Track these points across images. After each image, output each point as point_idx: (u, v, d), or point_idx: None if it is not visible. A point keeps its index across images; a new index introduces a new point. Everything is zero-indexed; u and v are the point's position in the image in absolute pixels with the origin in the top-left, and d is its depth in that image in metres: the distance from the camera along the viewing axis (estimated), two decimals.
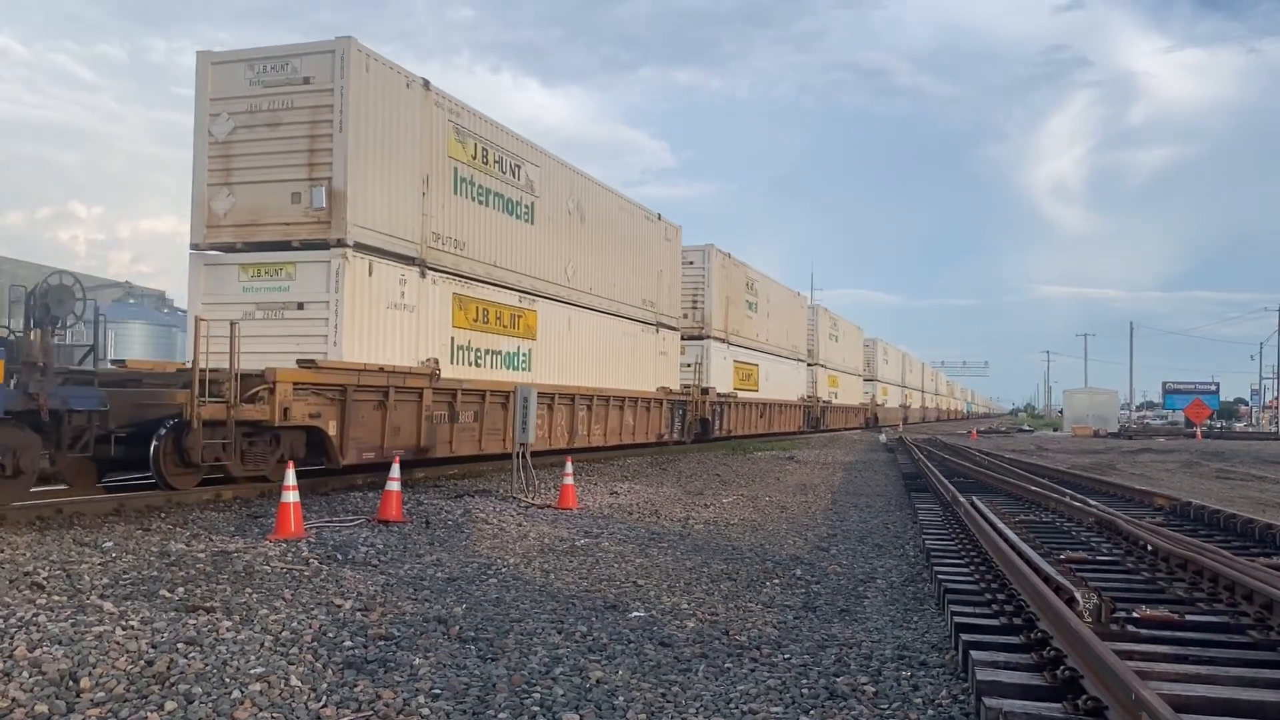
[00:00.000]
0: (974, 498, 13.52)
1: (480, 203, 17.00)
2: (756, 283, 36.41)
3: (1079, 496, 14.36)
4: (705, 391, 28.72)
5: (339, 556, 8.73)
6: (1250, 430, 71.07)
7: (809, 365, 45.82)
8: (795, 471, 21.83)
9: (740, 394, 33.15)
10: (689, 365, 28.62)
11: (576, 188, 20.82)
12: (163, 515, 10.69)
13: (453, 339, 16.22)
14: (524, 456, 14.70)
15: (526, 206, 18.52)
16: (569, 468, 13.84)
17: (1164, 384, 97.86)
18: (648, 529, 11.53)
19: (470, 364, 16.65)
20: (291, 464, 10.33)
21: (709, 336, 30.16)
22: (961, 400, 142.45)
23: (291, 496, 9.75)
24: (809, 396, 45.22)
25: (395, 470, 11.43)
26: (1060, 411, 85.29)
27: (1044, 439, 55.11)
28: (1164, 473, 24.55)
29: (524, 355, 18.42)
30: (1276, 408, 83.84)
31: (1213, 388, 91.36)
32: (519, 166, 18.32)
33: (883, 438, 43.94)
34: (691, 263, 29.82)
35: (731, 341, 32.37)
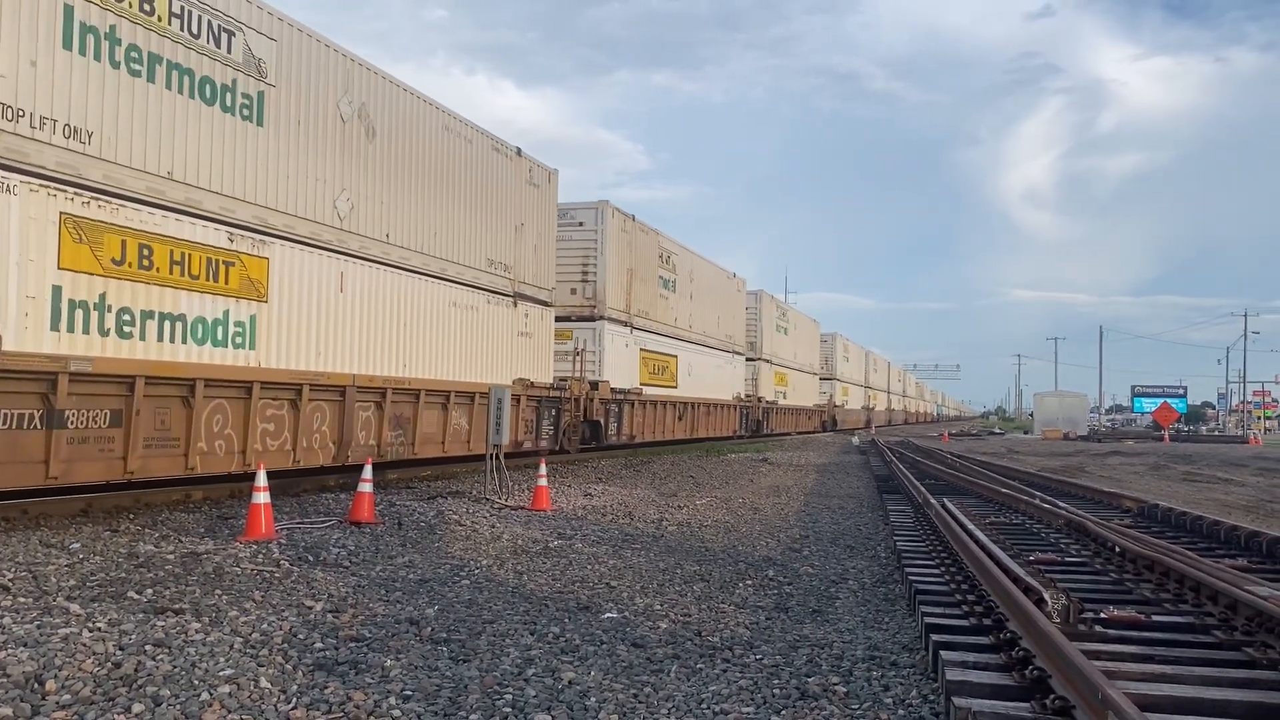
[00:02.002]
0: (945, 499, 13.62)
1: (133, 72, 10.57)
2: (675, 256, 29.67)
3: (1048, 498, 14.50)
4: (595, 387, 22.32)
5: (310, 558, 8.68)
6: (1217, 434, 72.01)
7: (749, 360, 39.46)
8: (769, 474, 21.90)
9: (649, 390, 26.61)
10: (574, 353, 22.37)
11: (359, 86, 14.15)
12: (131, 516, 10.58)
13: (58, 289, 9.72)
14: (498, 458, 14.68)
15: (247, 97, 12.10)
16: (543, 469, 13.82)
17: (1133, 387, 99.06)
18: (621, 530, 11.53)
19: (107, 331, 10.23)
20: (262, 464, 10.25)
21: (603, 318, 23.54)
22: (931, 403, 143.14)
23: (262, 498, 9.68)
24: (748, 396, 38.67)
25: (367, 471, 11.38)
26: (1031, 414, 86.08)
27: (1014, 442, 55.60)
28: (1132, 475, 24.82)
29: (240, 325, 11.93)
30: (1243, 411, 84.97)
31: (1181, 391, 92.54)
32: (232, 34, 11.93)
33: (855, 440, 44.16)
34: (581, 224, 23.78)
35: (637, 325, 25.88)
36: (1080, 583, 8.20)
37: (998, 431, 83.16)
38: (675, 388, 29.33)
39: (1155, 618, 6.66)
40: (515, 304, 18.71)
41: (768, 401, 41.96)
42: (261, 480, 9.77)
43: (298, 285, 12.89)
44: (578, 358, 21.69)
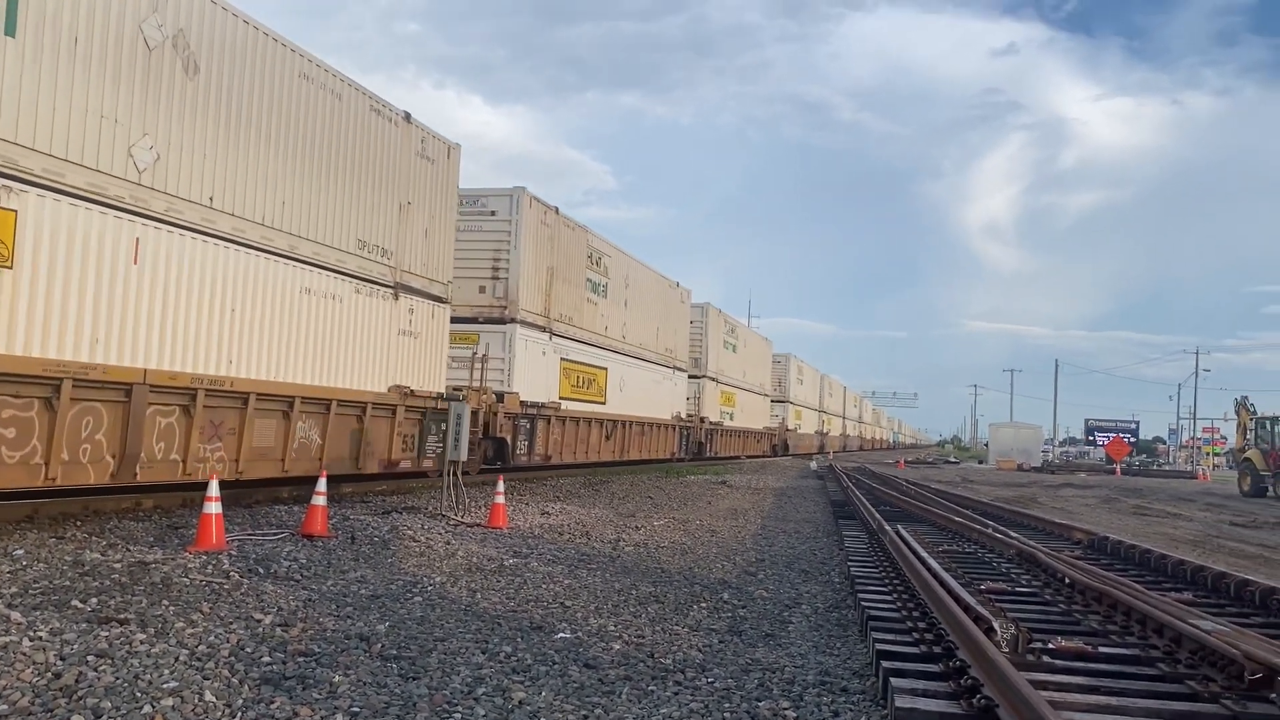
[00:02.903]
0: (899, 526, 13.72)
1: None
2: (607, 258, 26.49)
3: (1000, 528, 14.65)
4: (502, 399, 19.19)
5: (260, 570, 8.56)
6: (1167, 468, 73.20)
7: (693, 377, 36.92)
8: (727, 496, 21.95)
9: (571, 406, 23.50)
10: (476, 359, 18.09)
11: (175, 6, 11.19)
12: (79, 523, 10.39)
13: None
14: (455, 474, 14.60)
15: None
16: (500, 486, 13.76)
17: (1087, 421, 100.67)
18: (577, 550, 11.50)
19: None
20: (216, 475, 10.11)
21: (516, 320, 20.61)
22: (888, 430, 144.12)
23: (214, 508, 9.54)
24: (689, 416, 35.87)
25: (321, 485, 11.25)
26: (986, 444, 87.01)
27: (969, 471, 56.15)
28: (1084, 507, 25.15)
29: None
30: (1193, 448, 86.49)
31: (1133, 426, 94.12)
32: None
33: (813, 464, 44.36)
34: (493, 213, 20.89)
35: (559, 332, 22.86)
36: (1030, 613, 8.29)
37: (953, 460, 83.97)
38: (603, 403, 26.14)
39: (1102, 649, 6.75)
40: (396, 296, 15.54)
41: (712, 422, 39.12)
42: (214, 490, 9.64)
43: (64, 250, 9.85)
44: (480, 365, 17.96)
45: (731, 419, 42.97)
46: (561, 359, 23.14)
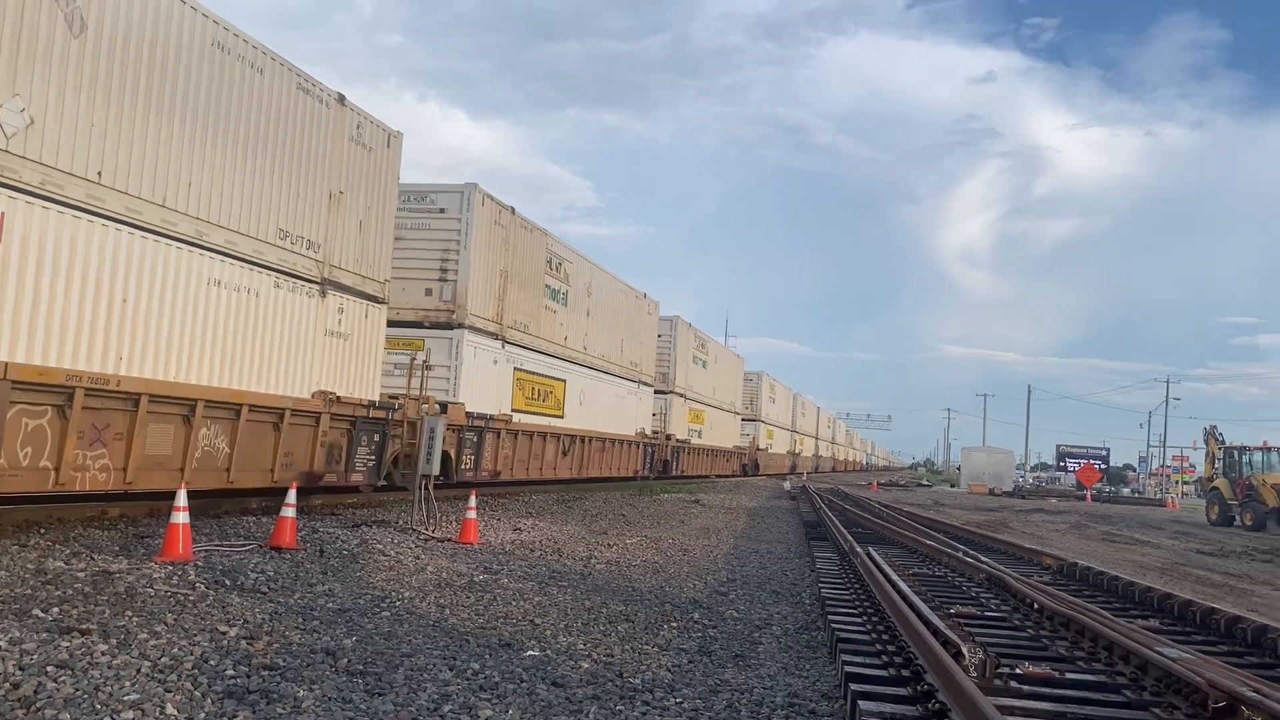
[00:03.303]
0: (870, 549, 13.76)
1: None
2: (569, 264, 25.02)
3: (971, 552, 14.71)
4: (445, 409, 17.07)
5: (227, 582, 8.47)
6: (1137, 496, 73.80)
7: (660, 393, 35.40)
8: (700, 515, 21.93)
9: (525, 419, 22.02)
10: (416, 365, 16.68)
11: None
12: (43, 531, 10.24)
13: None
14: (426, 488, 14.51)
15: None
16: (472, 501, 13.69)
17: (1058, 447, 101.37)
18: (549, 567, 11.44)
19: None
20: (184, 484, 10.00)
21: (464, 326, 19.11)
22: (861, 451, 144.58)
23: (181, 517, 9.43)
24: (654, 432, 34.23)
25: (291, 496, 11.16)
26: (958, 468, 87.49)
27: (941, 494, 56.39)
28: (1054, 533, 25.31)
29: None
30: (1162, 476, 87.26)
31: (1103, 453, 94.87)
32: None
33: (787, 485, 44.43)
34: (442, 210, 19.45)
35: (513, 340, 21.42)
36: (998, 638, 8.32)
37: (925, 483, 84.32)
38: (560, 417, 24.52)
39: (1069, 675, 6.78)
40: (324, 294, 14.19)
41: (679, 440, 37.61)
42: (181, 500, 9.53)
43: None
44: (421, 372, 16.70)
45: (700, 437, 41.79)
46: (515, 369, 21.73)
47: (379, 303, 15.83)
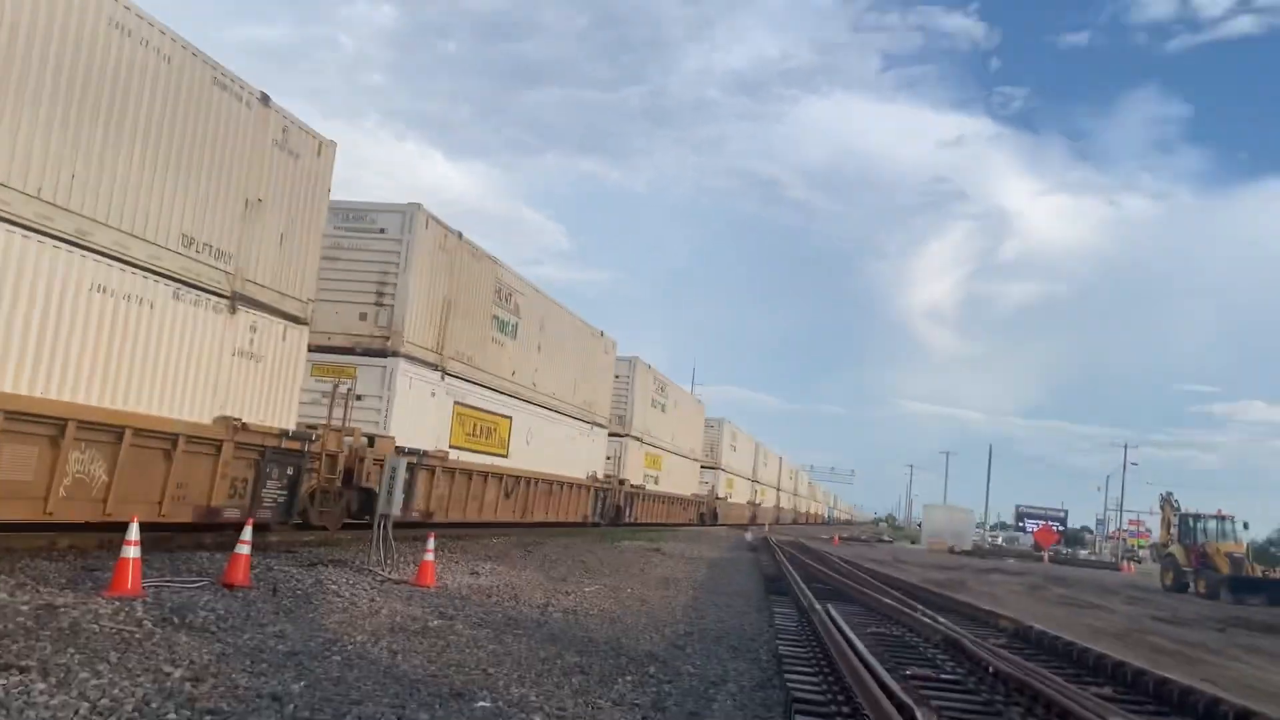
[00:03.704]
0: (830, 606, 13.74)
1: None
2: (520, 295, 23.64)
3: (929, 612, 14.73)
4: (373, 443, 16.77)
5: (175, 619, 8.30)
6: (1093, 559, 74.33)
7: (615, 435, 34.02)
8: (660, 564, 21.81)
9: (464, 456, 20.63)
10: (339, 394, 16.02)
11: None
12: None
13: None
14: (385, 528, 14.34)
15: None
16: (431, 544, 13.54)
17: (1017, 507, 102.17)
18: (505, 614, 11.32)
19: None
20: (136, 517, 9.82)
21: (400, 354, 17.86)
22: (824, 504, 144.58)
23: (132, 552, 9.25)
24: (607, 477, 32.73)
25: (247, 533, 10.98)
26: (919, 525, 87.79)
27: (902, 551, 56.51)
28: (1011, 594, 25.40)
29: None
30: (1119, 539, 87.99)
31: (1061, 514, 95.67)
32: None
33: (748, 536, 44.32)
34: (382, 230, 18.31)
35: (454, 372, 20.10)
36: (953, 701, 8.31)
37: (886, 539, 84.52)
38: (504, 456, 23.03)
39: None
40: (234, 309, 12.91)
41: (633, 485, 36.00)
42: (133, 533, 9.36)
43: None
44: (347, 401, 15.62)
45: (656, 483, 40.21)
46: (456, 403, 20.36)
47: (300, 323, 14.48)
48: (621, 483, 34.57)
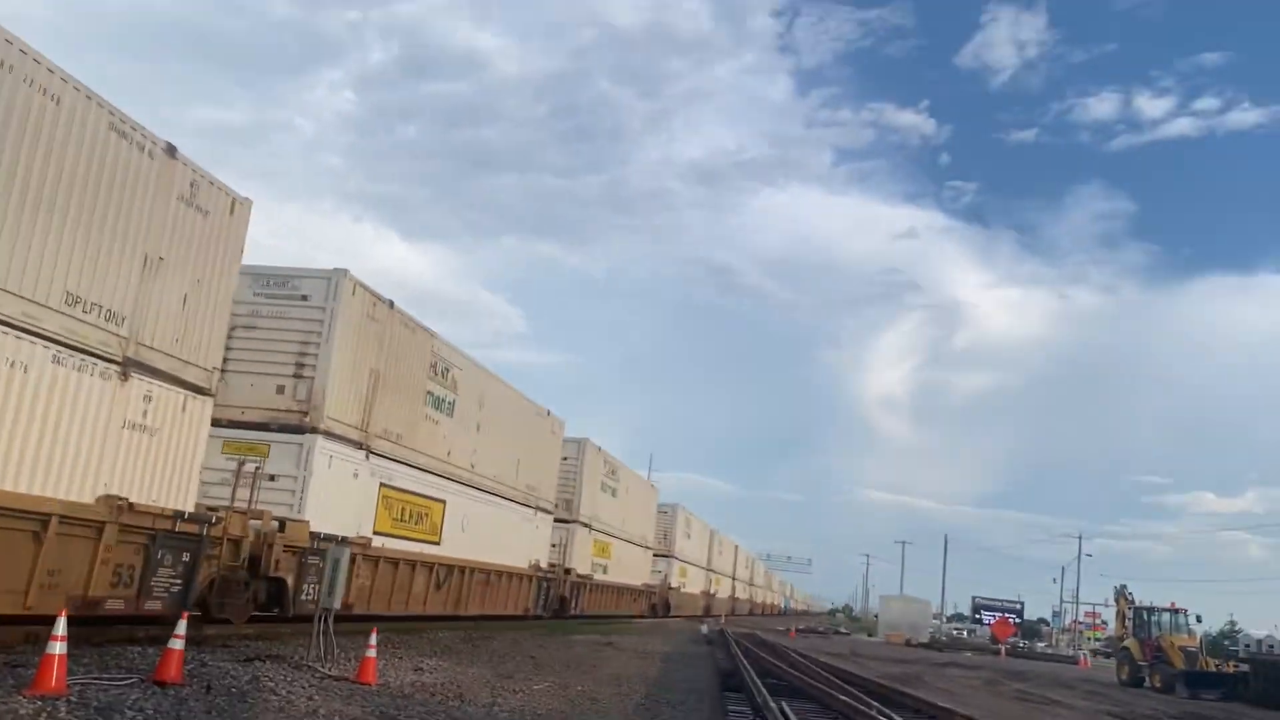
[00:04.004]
0: (784, 702, 13.47)
1: None
2: (457, 370, 22.46)
3: (885, 710, 14.49)
4: (283, 527, 15.51)
5: None
6: (1050, 651, 74.03)
7: (561, 521, 32.30)
8: (613, 659, 21.35)
9: (390, 544, 19.42)
10: (244, 473, 15.29)
11: None
12: None
13: None
14: (326, 621, 13.91)
15: None
16: (373, 639, 13.13)
17: (974, 598, 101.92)
18: (449, 714, 10.95)
19: None
20: (65, 610, 9.43)
21: (319, 430, 16.62)
22: (780, 594, 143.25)
23: (58, 648, 8.85)
24: (552, 566, 31.08)
25: (181, 627, 10.57)
26: (876, 615, 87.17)
27: (859, 643, 55.96)
28: (968, 689, 25.14)
29: None
30: (1075, 631, 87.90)
31: (1017, 605, 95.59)
32: None
33: (704, 629, 43.69)
34: (304, 297, 17.21)
35: (381, 451, 18.83)
36: None
37: (843, 631, 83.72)
38: (436, 543, 21.61)
39: None
40: (125, 377, 11.85)
41: (580, 575, 34.50)
42: (60, 628, 8.97)
43: None
44: (254, 481, 14.61)
45: (605, 572, 38.34)
46: (382, 484, 18.98)
47: (203, 394, 13.33)
48: (567, 572, 33.01)
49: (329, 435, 16.84)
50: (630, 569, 43.09)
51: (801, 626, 77.33)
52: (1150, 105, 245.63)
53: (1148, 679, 35.33)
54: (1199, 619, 37.54)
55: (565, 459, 32.72)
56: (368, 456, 18.34)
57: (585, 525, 35.06)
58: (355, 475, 17.94)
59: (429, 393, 20.96)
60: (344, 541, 16.56)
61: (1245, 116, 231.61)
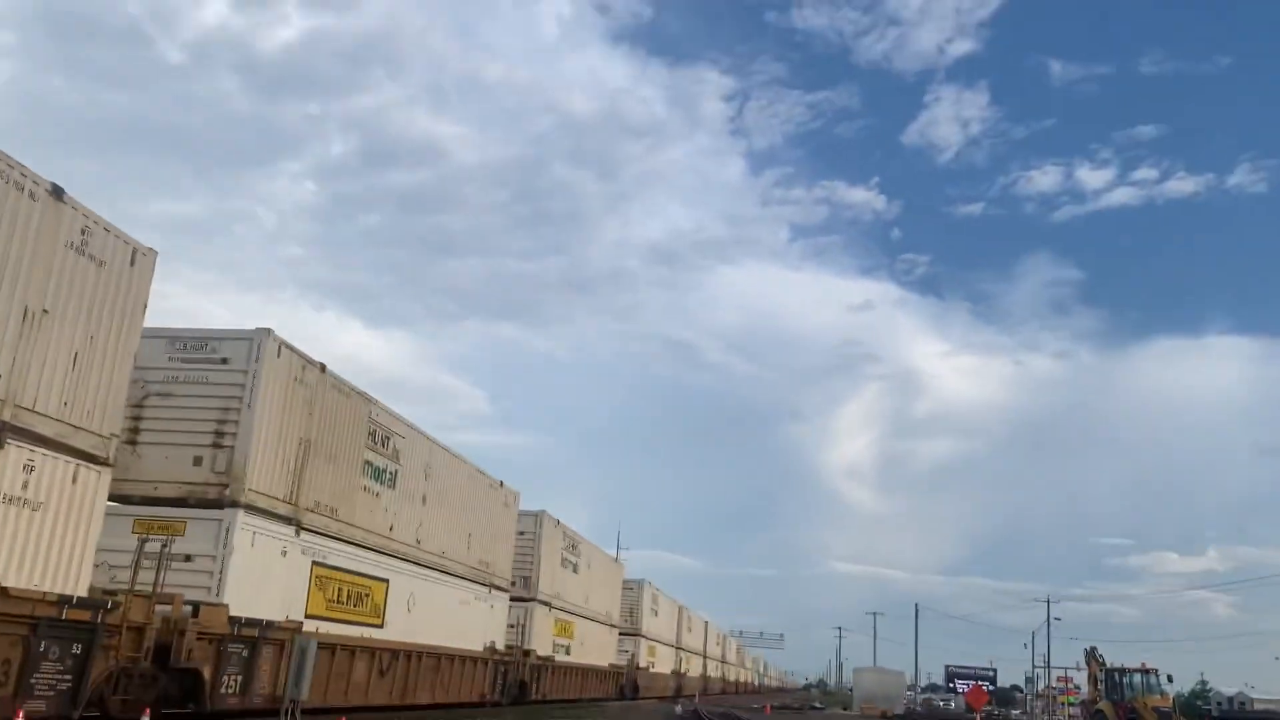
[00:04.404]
0: None
1: None
2: (399, 439, 21.18)
3: None
4: (196, 612, 14.11)
5: None
6: (1025, 719, 73.43)
7: (519, 600, 30.59)
8: None
9: (326, 627, 17.69)
10: (147, 552, 13.52)
11: None
12: None
13: None
14: (293, 714, 13.57)
15: None
16: None
17: (947, 667, 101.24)
18: None
19: None
20: None
21: (240, 504, 15.36)
22: (753, 671, 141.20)
23: None
24: (509, 648, 28.99)
25: None
26: (850, 689, 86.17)
27: (834, 717, 55.22)
28: None
29: None
30: (1048, 696, 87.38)
31: (990, 673, 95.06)
32: None
33: (679, 709, 42.94)
34: (225, 360, 15.98)
35: (313, 527, 17.55)
36: None
37: (819, 705, 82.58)
38: (379, 626, 19.87)
39: None
40: (1, 444, 10.64)
41: (541, 656, 32.33)
42: None
43: None
44: (167, 562, 13.30)
45: (568, 653, 36.25)
46: (315, 563, 17.49)
47: (98, 463, 12.02)
48: (527, 653, 31.06)
49: (252, 509, 15.53)
50: (595, 649, 41.12)
51: (776, 703, 76.25)
52: (1091, 176, 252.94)
53: None
54: (1170, 679, 37.53)
55: (522, 533, 31.07)
56: (298, 532, 16.96)
57: (545, 603, 33.33)
58: (284, 553, 16.54)
59: (368, 463, 19.59)
60: (268, 626, 15.56)
61: (1182, 185, 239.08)
